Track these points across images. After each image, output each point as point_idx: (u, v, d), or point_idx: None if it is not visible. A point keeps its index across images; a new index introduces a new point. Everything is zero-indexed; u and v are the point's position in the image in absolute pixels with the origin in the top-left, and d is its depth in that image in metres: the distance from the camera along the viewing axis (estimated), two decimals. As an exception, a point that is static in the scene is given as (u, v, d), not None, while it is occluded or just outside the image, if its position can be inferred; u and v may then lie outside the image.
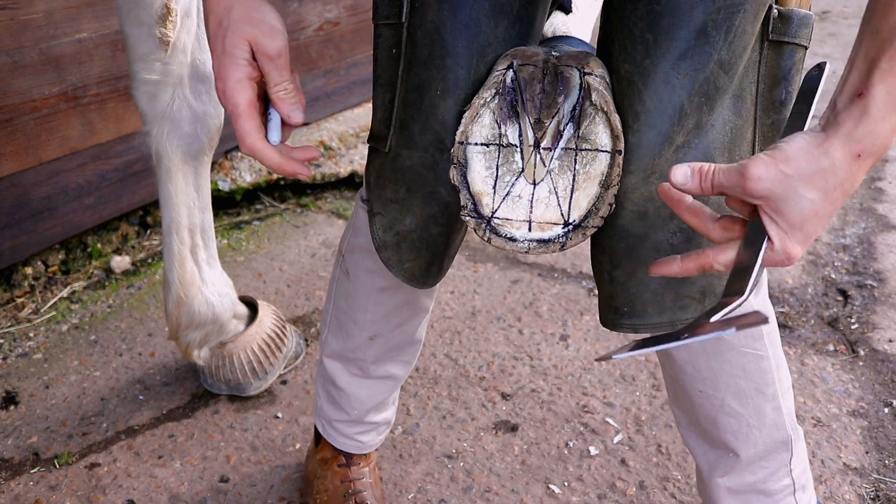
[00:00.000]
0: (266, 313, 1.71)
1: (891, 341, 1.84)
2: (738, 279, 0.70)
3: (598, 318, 1.82)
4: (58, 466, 1.47)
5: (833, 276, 2.13)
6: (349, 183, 2.69)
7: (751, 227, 0.71)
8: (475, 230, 0.85)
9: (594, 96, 0.81)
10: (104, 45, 1.97)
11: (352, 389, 1.24)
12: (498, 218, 0.84)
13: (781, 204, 0.66)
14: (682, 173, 0.70)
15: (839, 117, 0.65)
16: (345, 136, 2.81)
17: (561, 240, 0.84)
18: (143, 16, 1.29)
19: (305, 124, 2.60)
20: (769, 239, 0.68)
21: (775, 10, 0.83)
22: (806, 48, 0.87)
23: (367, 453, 1.35)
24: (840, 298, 2.03)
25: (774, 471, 1.03)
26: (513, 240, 0.85)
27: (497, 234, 0.84)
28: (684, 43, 0.79)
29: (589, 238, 0.88)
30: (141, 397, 1.66)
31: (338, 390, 1.25)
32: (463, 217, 0.85)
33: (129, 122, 2.08)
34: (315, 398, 1.33)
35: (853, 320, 1.92)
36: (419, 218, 0.93)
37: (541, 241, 0.84)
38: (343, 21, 2.78)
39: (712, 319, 0.68)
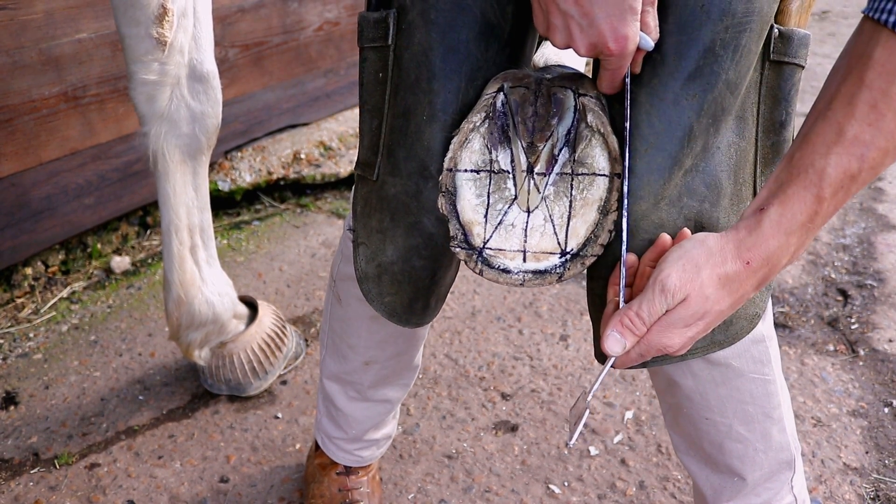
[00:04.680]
0: (266, 313, 1.71)
1: (891, 341, 1.84)
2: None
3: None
4: (58, 466, 1.47)
5: (833, 275, 2.13)
6: (349, 183, 2.69)
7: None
8: (466, 262, 0.80)
9: (590, 118, 0.77)
10: (104, 46, 1.97)
11: (349, 410, 1.24)
12: (490, 248, 0.80)
13: (685, 303, 0.71)
14: (614, 341, 0.74)
15: (739, 224, 0.72)
16: (345, 137, 2.81)
17: (558, 270, 0.79)
18: (139, 16, 1.29)
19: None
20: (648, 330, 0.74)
21: (776, 30, 0.82)
22: (803, 68, 0.86)
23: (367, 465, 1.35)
24: (840, 298, 2.02)
25: (778, 490, 1.02)
26: (506, 272, 0.80)
27: (489, 265, 0.80)
28: (693, 62, 0.77)
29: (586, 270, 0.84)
30: (141, 397, 1.66)
31: (336, 410, 1.26)
32: (452, 248, 0.81)
33: (129, 122, 2.08)
34: (316, 412, 1.33)
35: (853, 320, 1.92)
36: (400, 249, 0.89)
37: (536, 273, 0.79)
38: (343, 21, 2.78)
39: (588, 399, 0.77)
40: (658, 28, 0.77)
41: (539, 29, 0.77)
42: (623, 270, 0.78)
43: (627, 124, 0.77)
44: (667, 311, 0.71)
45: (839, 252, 2.26)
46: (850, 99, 0.65)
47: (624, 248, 0.77)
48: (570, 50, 0.76)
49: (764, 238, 0.69)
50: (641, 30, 0.74)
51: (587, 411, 0.75)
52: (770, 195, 0.70)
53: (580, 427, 0.75)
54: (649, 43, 0.76)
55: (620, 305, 0.77)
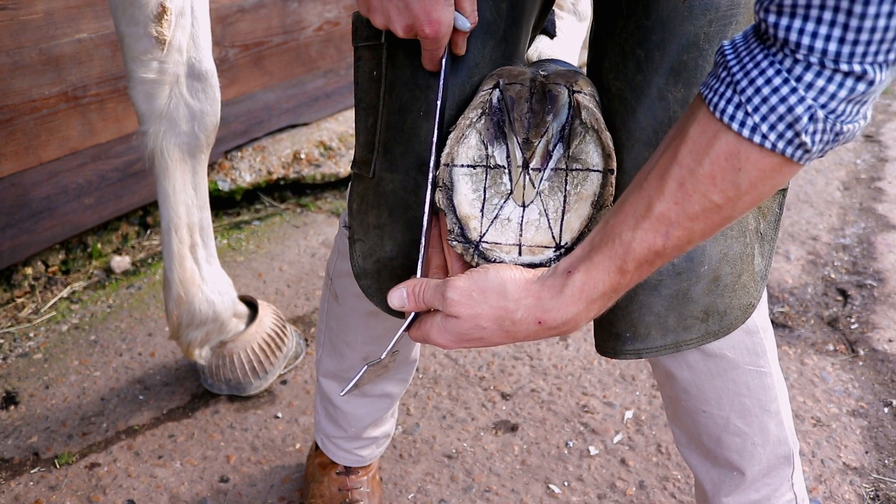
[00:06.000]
0: (266, 313, 1.71)
1: (890, 341, 1.84)
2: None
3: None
4: (58, 466, 1.47)
5: (833, 275, 2.13)
6: (349, 183, 2.69)
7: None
8: (462, 255, 0.82)
9: (584, 114, 0.79)
10: (104, 46, 1.97)
11: (348, 408, 1.24)
12: (486, 242, 0.81)
13: (457, 319, 0.73)
14: (398, 297, 0.77)
15: (547, 281, 0.70)
16: (345, 137, 2.81)
17: (553, 263, 0.80)
18: (138, 15, 1.29)
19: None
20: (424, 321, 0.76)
21: None
22: None
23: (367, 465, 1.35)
24: (840, 298, 2.02)
25: (777, 487, 1.02)
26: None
27: (486, 258, 0.81)
28: (675, 57, 0.78)
29: None
30: (141, 397, 1.66)
31: (335, 408, 1.25)
32: (449, 242, 0.82)
33: (128, 122, 2.08)
34: (314, 413, 1.33)
35: (853, 320, 1.92)
36: (400, 244, 0.90)
37: (532, 266, 0.81)
38: (343, 21, 2.79)
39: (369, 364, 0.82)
40: (475, 11, 0.80)
41: (360, 9, 0.80)
42: (423, 241, 0.82)
43: (438, 102, 0.81)
44: (444, 316, 0.74)
45: (839, 252, 2.26)
46: (663, 174, 0.63)
47: (425, 220, 0.81)
48: (563, 45, 0.77)
49: (564, 304, 0.69)
50: (458, 11, 0.78)
51: (364, 369, 0.81)
52: (581, 258, 0.69)
53: (353, 382, 0.81)
54: (466, 24, 0.79)
55: (417, 274, 0.81)
